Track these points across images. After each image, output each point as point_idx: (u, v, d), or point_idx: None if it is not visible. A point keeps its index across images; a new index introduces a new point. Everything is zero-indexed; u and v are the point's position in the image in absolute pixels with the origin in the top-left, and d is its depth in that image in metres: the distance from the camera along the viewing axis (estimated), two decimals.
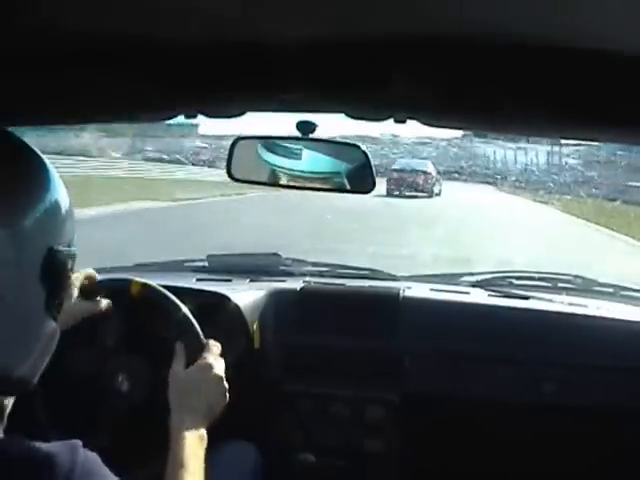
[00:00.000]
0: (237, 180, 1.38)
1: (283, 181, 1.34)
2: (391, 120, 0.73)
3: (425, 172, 16.54)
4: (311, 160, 1.30)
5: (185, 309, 1.45)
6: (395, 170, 16.37)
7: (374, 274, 2.07)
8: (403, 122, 0.74)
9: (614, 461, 1.68)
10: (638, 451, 1.62)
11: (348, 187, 1.36)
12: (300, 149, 1.30)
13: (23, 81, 0.59)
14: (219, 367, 1.17)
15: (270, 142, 1.36)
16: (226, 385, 1.15)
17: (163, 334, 1.55)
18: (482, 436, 1.74)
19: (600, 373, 1.63)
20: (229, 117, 0.71)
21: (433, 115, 0.71)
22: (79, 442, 0.73)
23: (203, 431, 1.05)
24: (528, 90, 0.60)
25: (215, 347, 1.21)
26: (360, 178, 1.32)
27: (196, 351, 1.28)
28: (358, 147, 1.32)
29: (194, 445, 1.03)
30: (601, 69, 0.54)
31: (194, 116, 0.71)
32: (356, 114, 0.72)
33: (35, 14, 0.47)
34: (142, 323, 1.54)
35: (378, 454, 1.72)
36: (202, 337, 1.43)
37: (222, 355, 1.21)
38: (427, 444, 1.73)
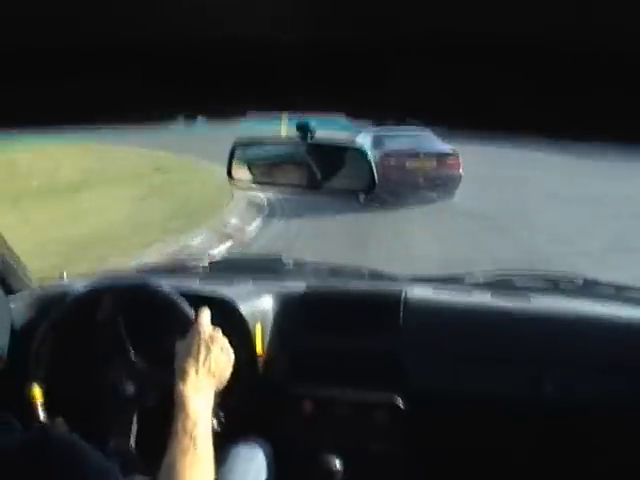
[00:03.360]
0: (237, 182, 1.38)
1: (287, 179, 1.35)
2: (391, 121, 0.73)
3: (447, 155, 9.66)
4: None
5: (186, 307, 1.46)
6: (390, 154, 9.46)
7: (376, 275, 2.07)
8: (403, 122, 0.74)
9: (614, 461, 1.68)
10: (638, 451, 1.62)
11: (350, 188, 1.37)
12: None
13: (17, 85, 0.59)
14: (216, 329, 1.17)
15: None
16: (227, 344, 1.15)
17: (168, 336, 1.55)
18: (484, 436, 1.74)
19: (600, 373, 1.63)
20: (229, 120, 0.71)
21: (434, 115, 0.71)
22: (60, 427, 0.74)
23: (209, 396, 1.05)
24: (529, 91, 0.60)
25: (206, 311, 1.21)
26: (360, 178, 1.33)
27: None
28: (358, 147, 1.32)
29: (199, 406, 1.02)
30: (602, 69, 0.54)
31: (194, 119, 0.71)
32: (356, 115, 0.72)
33: (31, 15, 0.47)
34: (147, 326, 1.54)
35: (383, 455, 1.72)
36: (205, 336, 1.44)
37: None
38: (431, 445, 1.73)
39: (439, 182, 9.60)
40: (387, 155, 9.53)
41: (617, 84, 0.56)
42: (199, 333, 1.15)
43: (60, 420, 0.92)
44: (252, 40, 0.55)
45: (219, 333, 1.16)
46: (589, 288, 1.92)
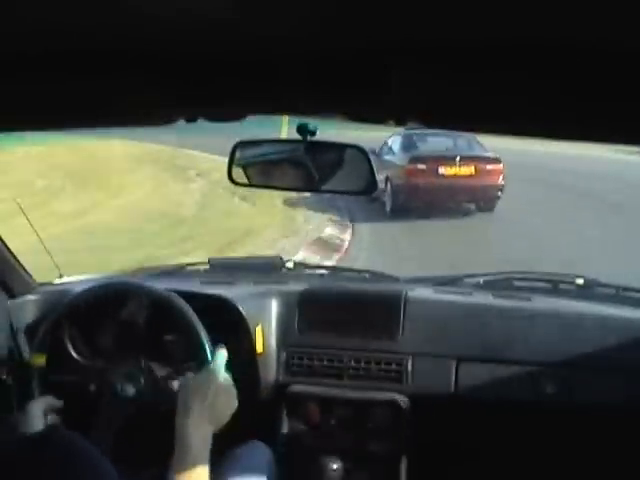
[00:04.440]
0: (238, 184, 1.38)
1: (286, 180, 1.35)
2: (392, 122, 0.73)
3: (487, 160, 8.36)
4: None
5: (187, 309, 1.46)
6: (418, 159, 8.21)
7: (376, 276, 2.07)
8: (404, 124, 0.74)
9: (614, 461, 1.68)
10: (638, 451, 1.62)
11: (350, 189, 1.37)
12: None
13: (17, 84, 0.59)
14: (226, 374, 1.18)
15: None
16: (234, 392, 1.16)
17: (166, 337, 1.55)
18: (484, 436, 1.74)
19: (601, 373, 1.63)
20: (230, 121, 0.71)
21: (434, 116, 0.71)
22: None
23: (208, 435, 1.06)
24: (529, 91, 0.60)
25: (223, 353, 1.22)
26: (360, 178, 1.32)
27: (198, 345, 1.27)
28: (359, 148, 1.32)
29: (198, 449, 1.03)
30: (602, 70, 0.54)
31: (194, 120, 0.71)
32: (357, 116, 0.72)
33: (31, 15, 0.47)
34: (144, 326, 1.55)
35: (383, 455, 1.72)
36: (203, 332, 1.44)
37: (227, 359, 1.22)
38: (431, 444, 1.73)
39: (477, 192, 8.24)
40: (415, 159, 8.28)
41: (616, 83, 0.56)
42: (212, 376, 1.16)
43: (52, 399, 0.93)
44: (253, 42, 0.55)
45: (229, 380, 1.17)
46: (589, 288, 1.92)
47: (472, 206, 8.50)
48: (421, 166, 8.17)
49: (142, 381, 1.47)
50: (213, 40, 0.55)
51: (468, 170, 8.22)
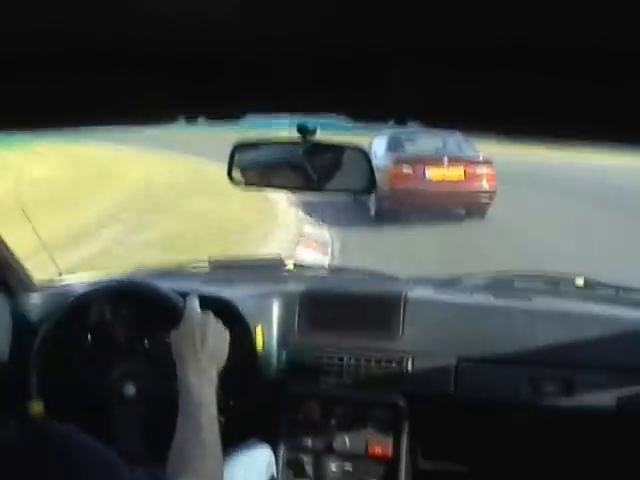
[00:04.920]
0: (238, 184, 1.38)
1: (284, 180, 1.35)
2: (392, 122, 0.73)
3: (478, 163, 7.76)
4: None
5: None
6: (403, 160, 7.67)
7: (376, 276, 2.07)
8: (404, 124, 0.74)
9: (614, 461, 1.68)
10: (638, 452, 1.62)
11: (350, 188, 1.37)
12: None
13: (18, 84, 0.59)
14: (207, 313, 1.19)
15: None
16: (220, 325, 1.16)
17: (166, 337, 1.55)
18: (485, 436, 1.74)
19: (600, 373, 1.63)
20: (230, 120, 0.71)
21: (434, 116, 0.71)
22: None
23: (212, 376, 1.07)
24: (529, 91, 0.60)
25: (194, 298, 1.23)
26: (359, 178, 1.33)
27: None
28: (358, 147, 1.32)
29: (205, 389, 1.04)
30: (603, 70, 0.54)
31: (195, 119, 0.71)
32: (357, 116, 0.72)
33: (32, 14, 0.47)
34: (144, 326, 1.55)
35: (382, 455, 1.72)
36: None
37: (227, 358, 1.22)
38: (431, 445, 1.73)
39: (467, 197, 7.63)
40: (400, 161, 7.67)
41: (617, 84, 0.56)
42: (191, 318, 1.16)
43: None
44: (253, 42, 0.55)
45: (210, 315, 1.18)
46: (589, 288, 1.92)
47: (462, 211, 7.92)
48: (407, 169, 7.60)
49: (143, 381, 1.47)
50: (213, 40, 0.55)
51: (457, 174, 7.60)
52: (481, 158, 7.90)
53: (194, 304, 1.21)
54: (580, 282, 1.91)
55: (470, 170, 7.65)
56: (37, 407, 1.42)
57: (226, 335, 1.17)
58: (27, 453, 0.69)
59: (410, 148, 8.13)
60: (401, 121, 0.73)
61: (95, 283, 1.61)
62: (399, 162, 7.67)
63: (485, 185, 7.64)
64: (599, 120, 0.60)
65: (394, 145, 8.13)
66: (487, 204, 7.71)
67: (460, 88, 0.62)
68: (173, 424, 1.04)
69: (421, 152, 7.97)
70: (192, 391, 1.03)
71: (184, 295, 1.51)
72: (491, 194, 7.65)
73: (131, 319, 1.55)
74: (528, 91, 0.60)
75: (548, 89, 0.59)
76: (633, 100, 0.57)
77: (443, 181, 7.57)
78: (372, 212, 7.98)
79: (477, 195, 7.63)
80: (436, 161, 7.64)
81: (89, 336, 1.56)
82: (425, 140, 8.12)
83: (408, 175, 7.58)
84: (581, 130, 0.64)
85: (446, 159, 7.62)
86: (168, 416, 1.08)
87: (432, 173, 7.60)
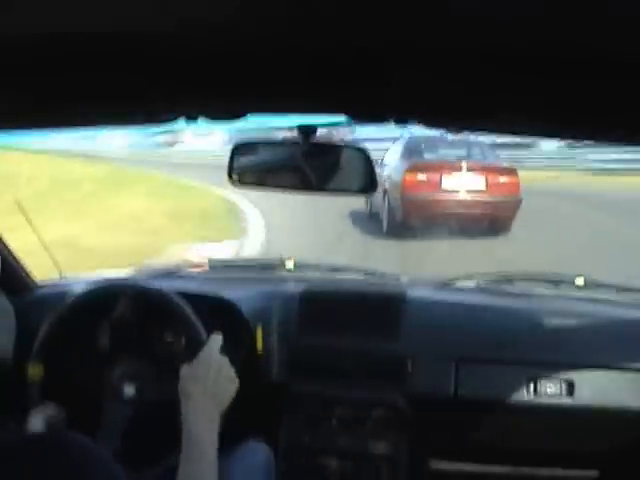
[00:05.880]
0: (237, 185, 1.38)
1: (284, 181, 1.35)
2: (391, 121, 0.73)
3: (500, 170, 7.11)
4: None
5: (187, 309, 1.46)
6: (417, 167, 6.95)
7: (377, 276, 2.07)
8: (404, 123, 0.74)
9: (614, 461, 1.68)
10: (638, 452, 1.62)
11: (350, 188, 1.37)
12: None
13: (19, 84, 0.59)
14: (223, 357, 1.18)
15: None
16: (233, 372, 1.16)
17: (166, 337, 1.55)
18: (485, 436, 1.74)
19: (601, 373, 1.63)
20: (230, 119, 0.71)
21: (434, 116, 0.71)
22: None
23: (214, 418, 1.06)
24: (528, 91, 0.60)
25: (218, 338, 1.22)
26: (361, 179, 1.33)
27: (198, 344, 1.28)
28: (359, 148, 1.33)
29: (206, 430, 1.03)
30: (603, 70, 0.54)
31: (195, 119, 0.71)
32: (357, 115, 0.72)
33: (32, 13, 0.47)
34: (144, 326, 1.55)
35: (383, 456, 1.72)
36: (203, 332, 1.44)
37: (227, 358, 1.22)
38: (431, 445, 1.73)
39: (489, 207, 6.84)
40: (414, 168, 6.90)
41: (617, 84, 0.56)
42: (208, 359, 1.16)
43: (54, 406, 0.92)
44: (253, 41, 0.55)
45: (226, 360, 1.17)
46: (589, 288, 1.92)
47: (485, 224, 7.00)
48: (421, 176, 6.80)
49: (143, 381, 1.47)
50: (214, 40, 0.55)
51: (477, 183, 6.81)
52: (504, 164, 7.34)
53: (216, 345, 1.20)
54: (580, 282, 1.91)
55: (492, 178, 6.89)
56: (36, 369, 1.42)
57: (236, 381, 1.16)
58: (27, 455, 0.69)
59: (429, 157, 7.48)
60: (401, 121, 0.73)
61: (95, 283, 1.61)
62: (413, 169, 6.92)
63: (509, 194, 6.88)
64: (601, 120, 0.61)
65: (410, 153, 7.49)
66: (511, 216, 6.95)
67: (460, 88, 0.62)
68: (171, 426, 1.04)
69: (435, 159, 7.29)
70: (193, 430, 1.04)
71: (184, 295, 1.51)
72: (515, 205, 6.90)
73: (131, 319, 1.55)
74: (528, 91, 0.61)
75: (548, 89, 0.59)
76: (633, 100, 0.57)
77: (462, 190, 6.86)
78: (384, 226, 7.31)
79: (500, 206, 6.84)
80: (454, 168, 6.88)
81: (89, 336, 1.56)
82: (447, 149, 7.54)
83: (422, 183, 6.82)
84: (581, 129, 0.64)
85: (465, 166, 6.90)
86: (167, 418, 1.08)
87: (450, 183, 6.85)
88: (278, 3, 0.47)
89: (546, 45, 0.53)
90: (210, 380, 1.11)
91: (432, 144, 7.61)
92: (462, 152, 7.41)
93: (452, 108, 0.66)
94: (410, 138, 7.59)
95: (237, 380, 1.16)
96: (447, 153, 7.46)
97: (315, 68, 0.59)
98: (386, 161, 7.79)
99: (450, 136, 6.86)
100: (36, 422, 1.27)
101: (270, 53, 0.57)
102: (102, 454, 0.74)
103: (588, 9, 0.45)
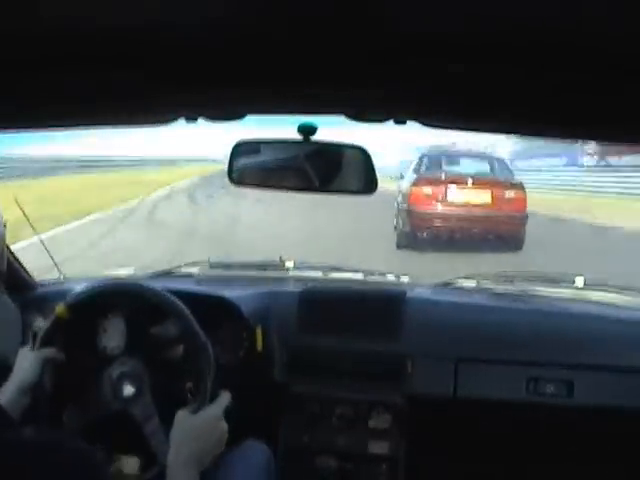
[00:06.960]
0: (238, 184, 1.38)
1: (284, 181, 1.35)
2: (391, 121, 0.73)
3: (506, 185, 7.01)
4: None
5: (187, 312, 1.46)
6: (424, 181, 6.94)
7: (376, 276, 2.07)
8: (403, 123, 0.74)
9: (614, 461, 1.68)
10: (637, 452, 1.62)
11: (350, 188, 1.37)
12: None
13: (20, 82, 0.59)
14: (222, 419, 1.20)
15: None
16: (226, 437, 1.19)
17: (165, 337, 1.55)
18: (485, 437, 1.74)
19: (601, 373, 1.63)
20: (230, 120, 0.71)
21: (433, 116, 0.71)
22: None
23: (194, 473, 1.09)
24: (528, 91, 0.60)
25: (225, 397, 1.23)
26: (362, 179, 1.32)
27: (196, 345, 1.28)
28: (360, 148, 1.32)
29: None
30: (602, 69, 0.54)
31: (195, 119, 0.71)
32: (356, 115, 0.72)
33: (34, 14, 0.47)
34: (144, 326, 1.55)
35: (382, 456, 1.72)
36: (203, 337, 1.44)
37: (226, 358, 1.22)
38: (431, 445, 1.73)
39: (494, 222, 6.73)
40: (420, 181, 6.86)
41: (617, 82, 0.56)
42: (209, 419, 1.18)
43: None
44: (253, 42, 0.55)
45: (225, 426, 1.19)
46: (589, 289, 1.92)
47: (491, 239, 6.82)
48: (427, 190, 6.75)
49: (141, 382, 1.47)
50: (213, 40, 0.55)
51: (483, 198, 6.72)
52: (511, 179, 7.24)
53: (223, 403, 1.21)
54: (580, 282, 1.91)
55: (498, 193, 6.82)
56: (61, 309, 1.44)
57: (223, 445, 1.18)
58: (22, 457, 0.69)
59: (448, 170, 7.31)
60: (401, 121, 0.73)
61: (95, 283, 1.61)
62: (419, 182, 6.89)
63: (515, 210, 6.81)
64: (602, 118, 0.61)
65: (427, 167, 7.42)
66: (519, 232, 6.83)
67: (460, 88, 0.62)
68: (168, 426, 1.05)
69: (448, 172, 7.16)
70: (175, 477, 1.07)
71: (184, 295, 1.51)
72: (521, 220, 6.82)
73: (130, 319, 1.55)
74: (528, 91, 0.61)
75: (548, 89, 0.59)
76: (633, 100, 0.57)
77: (467, 204, 6.78)
78: (394, 243, 7.17)
79: (506, 221, 6.78)
80: (460, 182, 6.83)
81: (89, 336, 1.56)
82: (470, 163, 7.44)
83: (428, 196, 6.78)
84: (582, 128, 0.64)
85: (470, 180, 6.85)
86: (165, 418, 1.09)
87: (456, 196, 6.78)
88: (278, 4, 0.47)
89: (546, 47, 0.53)
90: (203, 443, 1.14)
91: (454, 159, 7.58)
92: (485, 167, 7.34)
93: (452, 108, 0.66)
94: (432, 154, 7.60)
95: (224, 446, 1.18)
96: (469, 165, 7.38)
97: (315, 68, 0.59)
98: (404, 174, 7.75)
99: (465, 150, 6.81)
100: (34, 360, 1.32)
101: (270, 53, 0.57)
102: (95, 456, 0.75)
103: (588, 9, 0.44)
